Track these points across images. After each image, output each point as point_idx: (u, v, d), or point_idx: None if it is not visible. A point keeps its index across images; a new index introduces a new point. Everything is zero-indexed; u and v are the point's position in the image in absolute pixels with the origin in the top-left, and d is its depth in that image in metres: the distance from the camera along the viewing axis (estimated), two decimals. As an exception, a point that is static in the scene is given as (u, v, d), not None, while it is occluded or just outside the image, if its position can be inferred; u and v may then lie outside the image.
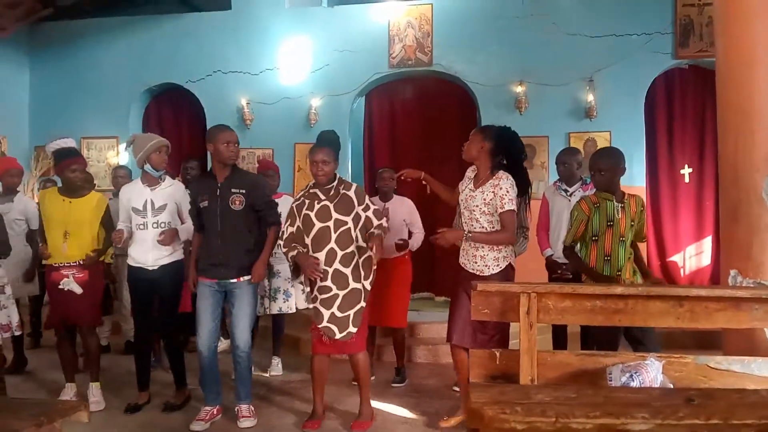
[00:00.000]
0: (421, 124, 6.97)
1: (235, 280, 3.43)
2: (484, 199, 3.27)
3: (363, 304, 3.31)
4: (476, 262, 3.31)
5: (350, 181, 4.79)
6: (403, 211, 4.34)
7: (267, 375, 4.58)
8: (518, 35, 6.49)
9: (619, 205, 3.23)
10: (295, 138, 6.94)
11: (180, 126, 7.62)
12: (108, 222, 3.88)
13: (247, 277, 3.44)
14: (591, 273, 3.19)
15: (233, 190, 3.42)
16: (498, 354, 2.39)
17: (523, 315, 2.22)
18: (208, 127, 7.08)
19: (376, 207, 3.46)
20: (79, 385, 3.89)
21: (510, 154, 3.38)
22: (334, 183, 3.38)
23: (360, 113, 7.34)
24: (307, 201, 3.38)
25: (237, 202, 3.41)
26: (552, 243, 4.18)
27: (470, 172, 3.50)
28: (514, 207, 3.23)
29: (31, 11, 6.99)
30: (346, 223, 3.31)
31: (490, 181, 3.29)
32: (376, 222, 3.38)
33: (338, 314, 3.25)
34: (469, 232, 3.26)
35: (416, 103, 7.14)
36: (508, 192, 3.21)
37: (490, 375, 2.42)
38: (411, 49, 6.77)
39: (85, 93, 7.29)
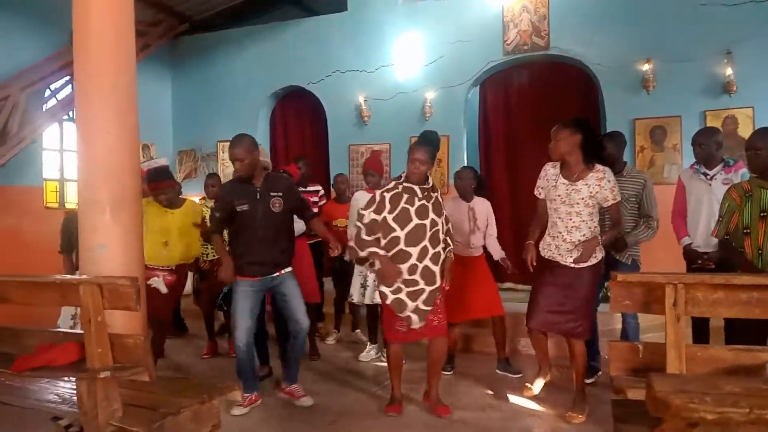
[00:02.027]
0: (539, 111, 6.79)
1: (277, 274, 3.67)
2: (590, 192, 3.31)
3: (438, 301, 3.47)
4: (573, 256, 3.35)
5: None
6: (484, 212, 4.40)
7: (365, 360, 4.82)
8: (642, 10, 6.12)
9: None
10: (411, 132, 7.03)
11: (303, 125, 8.04)
12: (205, 225, 4.26)
13: (287, 269, 3.71)
14: (751, 268, 2.97)
15: (272, 194, 3.62)
16: (641, 347, 2.32)
17: (669, 307, 2.13)
18: (329, 126, 7.44)
19: (446, 215, 3.58)
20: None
21: (598, 143, 3.43)
22: (429, 183, 3.47)
23: (475, 103, 7.30)
24: (405, 195, 3.40)
25: (277, 205, 3.62)
26: (691, 230, 3.90)
27: (551, 167, 3.48)
28: (619, 197, 3.41)
29: (171, 28, 7.74)
30: (438, 224, 3.44)
31: (593, 174, 3.33)
32: (446, 228, 3.55)
33: (422, 307, 3.40)
34: (600, 236, 3.38)
35: (533, 90, 6.96)
36: (615, 184, 3.36)
37: (632, 368, 2.35)
38: (526, 34, 6.62)
39: (219, 100, 7.94)
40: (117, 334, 2.52)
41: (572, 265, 3.36)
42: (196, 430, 2.46)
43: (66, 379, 2.59)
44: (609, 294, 2.33)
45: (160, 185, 4.11)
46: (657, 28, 6.07)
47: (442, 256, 3.47)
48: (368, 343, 4.92)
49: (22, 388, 2.61)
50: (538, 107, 6.80)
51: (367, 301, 4.67)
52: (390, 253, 3.38)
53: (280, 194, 3.64)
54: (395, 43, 7.14)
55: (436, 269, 3.42)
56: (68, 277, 2.77)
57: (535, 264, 3.48)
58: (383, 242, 3.40)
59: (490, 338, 4.53)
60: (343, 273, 5.11)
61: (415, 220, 3.37)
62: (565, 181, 3.38)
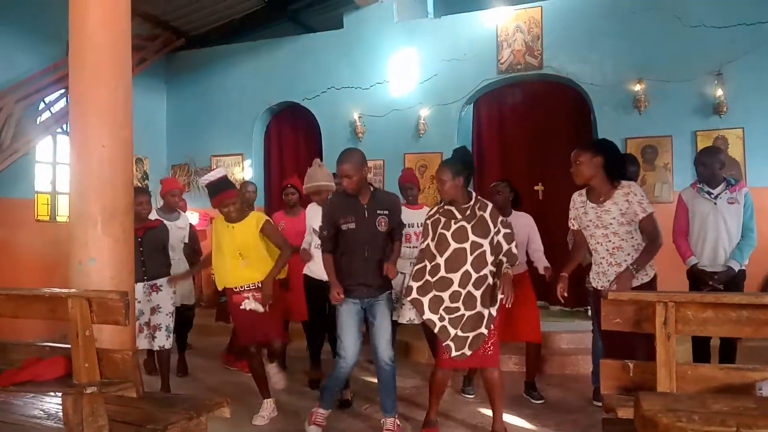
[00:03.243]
0: (532, 130, 6.86)
1: (375, 298, 3.46)
2: (620, 210, 3.19)
3: (484, 330, 3.25)
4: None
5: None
6: (524, 227, 4.18)
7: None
8: (635, 31, 6.22)
9: None
10: (405, 148, 7.11)
11: (297, 141, 8.07)
12: (274, 235, 3.82)
13: (386, 292, 3.49)
14: None
15: (379, 212, 3.41)
16: (631, 365, 2.31)
17: (659, 325, 2.14)
18: (323, 141, 7.47)
19: (508, 231, 3.33)
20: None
21: (620, 161, 3.30)
22: (471, 202, 3.29)
23: (468, 121, 7.36)
24: (443, 219, 3.29)
25: (383, 223, 3.42)
26: (695, 250, 3.89)
27: (578, 195, 3.40)
28: (653, 209, 3.22)
29: (167, 42, 7.78)
30: (482, 245, 3.25)
31: (619, 191, 3.21)
32: (506, 247, 3.29)
33: (459, 334, 3.24)
34: (631, 266, 3.16)
35: (526, 108, 7.04)
36: (643, 197, 3.22)
37: (623, 386, 2.35)
38: (520, 53, 6.70)
39: (214, 114, 7.96)
40: (105, 349, 2.50)
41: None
42: (184, 447, 2.42)
43: (52, 394, 2.56)
44: (600, 312, 2.32)
45: (224, 197, 3.71)
46: (649, 48, 6.16)
47: (489, 280, 3.26)
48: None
49: (7, 402, 2.57)
50: (532, 126, 6.86)
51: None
52: (433, 280, 3.27)
53: (386, 212, 3.43)
54: (390, 60, 7.20)
55: (478, 294, 3.23)
56: (57, 290, 2.75)
57: (566, 295, 3.34)
58: (428, 268, 3.28)
59: (517, 357, 4.40)
60: None
61: (453, 245, 3.23)
62: (594, 205, 3.29)
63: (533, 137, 6.88)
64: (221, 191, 3.70)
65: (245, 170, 7.83)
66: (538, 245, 4.22)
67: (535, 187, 6.72)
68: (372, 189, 3.48)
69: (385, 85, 7.23)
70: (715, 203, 3.81)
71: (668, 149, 6.09)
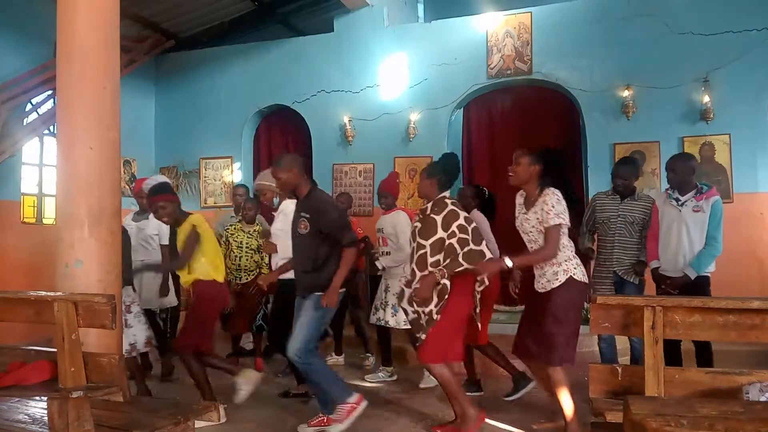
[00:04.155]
0: (521, 134, 6.89)
1: (304, 297, 3.52)
2: (538, 218, 3.24)
3: (423, 334, 3.34)
4: (539, 280, 3.29)
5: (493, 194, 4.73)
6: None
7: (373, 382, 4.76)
8: (624, 37, 6.28)
9: None
10: (395, 152, 7.11)
11: (287, 144, 8.04)
12: (186, 243, 3.76)
13: (315, 294, 3.44)
14: None
15: (302, 214, 3.48)
16: (620, 369, 2.33)
17: (647, 330, 2.15)
18: (313, 145, 7.46)
19: (462, 236, 3.30)
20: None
21: (560, 173, 3.34)
22: (429, 204, 3.44)
23: (458, 125, 7.39)
24: (416, 218, 3.56)
25: (302, 226, 3.46)
26: (661, 254, 3.94)
27: (520, 198, 3.44)
28: (561, 221, 3.16)
29: (156, 44, 7.74)
30: (424, 247, 3.34)
31: (539, 200, 3.25)
32: (459, 251, 3.28)
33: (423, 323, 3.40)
34: (510, 259, 3.22)
35: (515, 113, 7.08)
36: (553, 207, 3.16)
37: (612, 391, 2.36)
38: (510, 58, 6.73)
39: (203, 117, 7.92)
40: (91, 353, 2.47)
41: (541, 290, 3.28)
42: (171, 452, 2.40)
43: (37, 398, 2.52)
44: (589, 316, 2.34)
45: (154, 200, 3.76)
46: (637, 55, 6.22)
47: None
48: (379, 364, 4.98)
49: (-9, 407, 2.53)
50: (521, 130, 6.90)
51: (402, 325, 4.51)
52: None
53: (308, 215, 3.45)
54: (381, 64, 7.21)
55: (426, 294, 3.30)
56: (43, 293, 2.72)
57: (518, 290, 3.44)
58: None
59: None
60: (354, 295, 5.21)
61: (412, 243, 3.47)
62: (524, 210, 3.35)
63: (523, 142, 6.85)
64: (152, 194, 3.78)
65: (234, 173, 7.79)
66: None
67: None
68: (309, 191, 3.51)
69: (375, 89, 7.23)
70: (680, 210, 3.83)
71: (656, 155, 6.15)
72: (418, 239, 3.38)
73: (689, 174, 3.89)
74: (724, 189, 5.80)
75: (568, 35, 6.49)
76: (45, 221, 6.71)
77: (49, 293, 2.62)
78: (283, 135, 8.04)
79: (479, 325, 3.73)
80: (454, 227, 3.31)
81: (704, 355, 3.84)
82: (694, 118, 6.04)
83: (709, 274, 3.85)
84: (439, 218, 3.34)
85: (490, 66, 6.80)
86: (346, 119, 7.23)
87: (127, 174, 7.61)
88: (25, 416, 2.47)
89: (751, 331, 2.11)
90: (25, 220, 6.59)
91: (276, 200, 4.54)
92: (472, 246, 3.32)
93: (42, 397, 2.40)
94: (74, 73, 3.14)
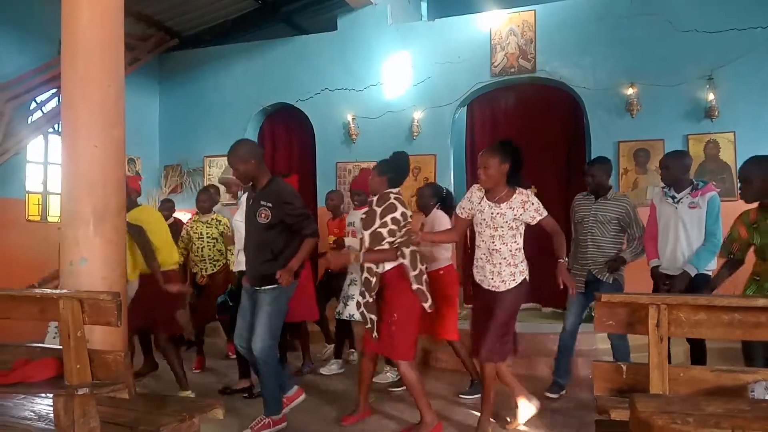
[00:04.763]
0: (524, 133, 6.85)
1: (258, 288, 3.48)
2: (514, 215, 3.28)
3: (373, 316, 3.46)
4: (492, 279, 3.31)
5: (451, 191, 4.87)
6: (440, 226, 4.27)
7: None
8: (627, 35, 6.26)
9: None
10: (398, 150, 7.08)
11: (291, 142, 8.06)
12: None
13: (268, 287, 3.42)
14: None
15: (262, 203, 3.41)
16: (624, 368, 2.32)
17: (652, 328, 2.15)
18: (317, 143, 7.46)
19: (392, 227, 3.38)
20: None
21: (520, 165, 3.35)
22: (375, 198, 3.57)
23: (462, 124, 7.39)
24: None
25: (263, 215, 3.40)
26: (660, 252, 3.93)
27: (477, 190, 3.40)
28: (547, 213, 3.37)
29: (160, 42, 7.76)
30: (363, 235, 3.55)
31: (518, 197, 3.27)
32: (387, 239, 3.38)
33: (371, 317, 3.50)
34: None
35: (519, 111, 7.07)
36: (538, 202, 3.32)
37: (616, 389, 2.35)
38: (513, 56, 6.72)
39: (207, 115, 7.93)
40: (96, 350, 2.48)
41: (493, 289, 3.33)
42: (175, 449, 2.41)
43: (43, 395, 2.53)
44: (593, 314, 2.34)
45: None
46: (641, 53, 6.21)
47: (373, 267, 3.45)
48: (334, 359, 5.09)
49: (-3, 404, 2.55)
50: (525, 129, 6.88)
51: (344, 316, 4.78)
52: None
53: (269, 205, 3.39)
54: (384, 62, 7.21)
55: (372, 280, 3.44)
56: (48, 291, 2.72)
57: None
58: None
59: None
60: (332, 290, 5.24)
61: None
62: (490, 204, 3.32)
63: (526, 140, 6.84)
64: None
65: (238, 171, 7.80)
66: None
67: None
68: (269, 181, 3.47)
69: (378, 87, 7.23)
70: (677, 207, 3.82)
71: (660, 153, 6.09)
72: (362, 229, 3.54)
73: (683, 171, 3.87)
74: (728, 187, 5.79)
75: (572, 33, 6.48)
76: (50, 219, 6.73)
77: (54, 291, 2.62)
78: (286, 133, 8.05)
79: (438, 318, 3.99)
80: (387, 218, 3.41)
81: (698, 353, 3.84)
82: (698, 115, 6.02)
83: (710, 273, 3.83)
84: (378, 210, 3.46)
85: (493, 64, 6.78)
86: (349, 117, 7.23)
87: (132, 172, 7.63)
88: (31, 413, 2.49)
89: (756, 329, 2.10)
90: (30, 217, 6.61)
91: (240, 193, 4.53)
92: (399, 239, 3.41)
93: (48, 394, 2.41)
94: (78, 71, 3.14)
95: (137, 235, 3.92)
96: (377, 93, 7.23)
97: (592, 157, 6.35)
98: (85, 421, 2.22)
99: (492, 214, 3.31)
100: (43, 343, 3.92)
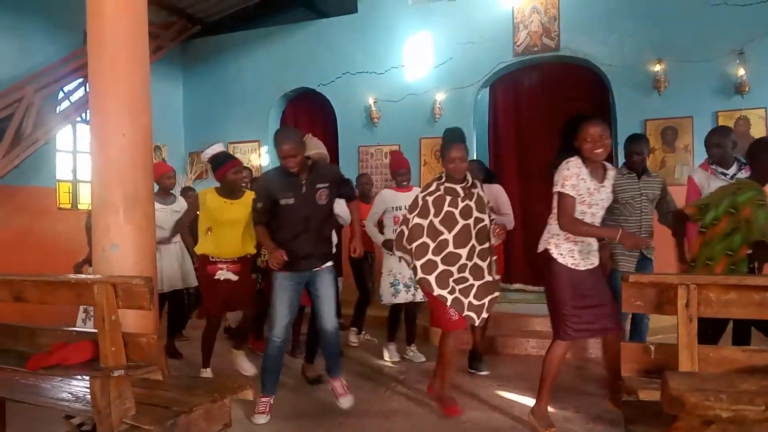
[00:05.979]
0: (549, 112, 6.76)
1: (318, 268, 3.53)
2: (486, 204, 3.51)
3: (496, 293, 3.51)
4: (593, 255, 3.21)
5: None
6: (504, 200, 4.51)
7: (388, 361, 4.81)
8: (654, 10, 6.10)
9: None
10: (421, 133, 7.08)
11: (314, 127, 8.04)
12: None
13: (329, 264, 3.59)
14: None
15: (319, 186, 3.46)
16: (653, 348, 2.31)
17: (681, 308, 2.12)
18: (339, 127, 7.46)
19: (491, 204, 3.60)
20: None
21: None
22: (469, 181, 3.46)
23: (484, 105, 7.30)
24: (448, 197, 3.41)
25: (323, 197, 3.48)
26: None
27: (579, 167, 3.26)
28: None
29: (183, 30, 7.79)
30: (483, 220, 3.46)
31: (610, 172, 3.19)
32: (494, 217, 3.60)
33: (474, 302, 3.40)
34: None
35: (543, 91, 6.95)
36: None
37: (644, 369, 2.34)
38: (536, 35, 6.61)
39: (230, 101, 7.99)
40: (130, 333, 2.54)
41: (591, 267, 3.23)
42: (208, 429, 2.47)
43: (79, 377, 2.61)
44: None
45: (233, 163, 4.09)
46: (668, 28, 6.04)
47: (492, 254, 3.50)
48: (389, 343, 4.92)
49: (36, 386, 2.63)
50: (549, 109, 6.78)
51: (400, 300, 4.57)
52: (440, 256, 3.39)
53: (326, 185, 3.50)
54: (405, 44, 7.15)
55: (485, 265, 3.44)
56: (82, 276, 2.79)
57: None
58: (432, 245, 3.39)
59: (514, 340, 4.56)
60: (361, 272, 5.27)
61: (461, 222, 3.40)
62: (595, 182, 3.14)
63: (550, 120, 6.76)
64: (228, 159, 4.08)
65: (262, 157, 7.86)
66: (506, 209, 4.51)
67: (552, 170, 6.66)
68: (310, 163, 3.52)
69: (400, 70, 7.18)
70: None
71: (689, 131, 6.00)
72: (477, 214, 3.44)
73: (731, 147, 3.83)
74: (760, 165, 5.64)
75: (597, 9, 6.33)
76: (80, 206, 6.88)
77: (88, 276, 2.69)
78: (309, 118, 8.06)
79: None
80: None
81: (743, 335, 3.76)
82: (728, 92, 5.86)
83: None
84: (481, 191, 3.54)
85: (516, 43, 6.68)
86: (371, 101, 7.21)
87: (158, 159, 7.74)
88: (69, 394, 2.56)
89: (789, 308, 2.06)
90: (61, 205, 6.77)
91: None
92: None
93: (84, 376, 2.48)
94: (105, 60, 3.18)
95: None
96: (398, 75, 7.18)
97: (618, 137, 6.27)
98: (121, 402, 2.28)
99: (608, 193, 3.14)
100: (75, 326, 4.03)
